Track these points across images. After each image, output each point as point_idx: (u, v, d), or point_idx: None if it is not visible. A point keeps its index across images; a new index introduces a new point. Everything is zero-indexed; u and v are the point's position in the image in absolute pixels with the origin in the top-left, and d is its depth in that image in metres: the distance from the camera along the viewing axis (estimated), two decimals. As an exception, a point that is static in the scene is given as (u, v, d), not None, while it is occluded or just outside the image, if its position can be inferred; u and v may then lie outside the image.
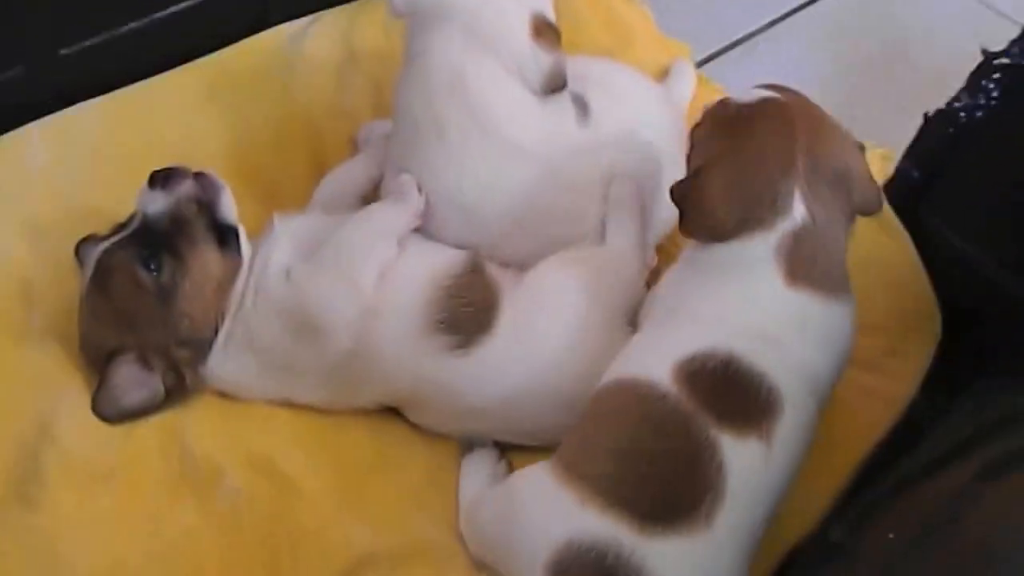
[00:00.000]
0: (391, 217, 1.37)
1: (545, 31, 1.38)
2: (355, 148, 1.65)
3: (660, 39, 1.81)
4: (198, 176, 1.38)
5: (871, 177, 1.21)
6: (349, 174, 1.55)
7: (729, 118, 1.21)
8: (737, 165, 1.16)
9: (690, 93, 1.69)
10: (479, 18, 1.36)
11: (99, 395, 1.31)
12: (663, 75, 1.72)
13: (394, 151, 1.44)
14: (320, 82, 1.72)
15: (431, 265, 1.35)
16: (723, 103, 1.24)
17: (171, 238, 1.33)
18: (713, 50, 1.96)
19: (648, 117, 1.49)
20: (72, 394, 1.34)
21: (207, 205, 1.36)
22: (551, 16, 1.42)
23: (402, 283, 1.32)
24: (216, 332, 1.34)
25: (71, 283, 1.39)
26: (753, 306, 1.14)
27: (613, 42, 1.76)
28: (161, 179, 1.35)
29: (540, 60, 1.37)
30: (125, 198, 1.39)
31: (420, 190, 1.37)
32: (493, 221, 1.38)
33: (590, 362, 1.27)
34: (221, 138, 1.63)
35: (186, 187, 1.36)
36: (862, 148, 1.22)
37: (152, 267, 1.30)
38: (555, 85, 1.39)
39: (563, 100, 1.41)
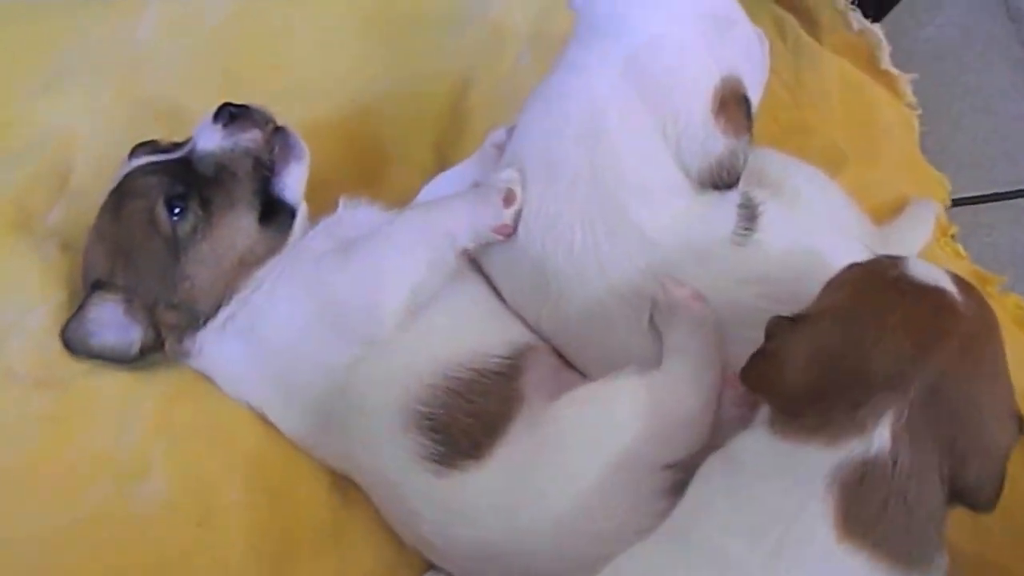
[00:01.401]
0: (458, 216, 1.07)
1: (732, 106, 1.03)
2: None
3: (915, 161, 1.40)
4: (278, 131, 1.15)
5: (1004, 468, 0.86)
6: (454, 182, 1.25)
7: (878, 278, 0.90)
8: (842, 333, 0.86)
9: (917, 248, 1.28)
10: (654, 53, 1.03)
11: (71, 322, 1.11)
12: (896, 210, 1.31)
13: (504, 161, 1.14)
14: (490, 57, 1.43)
15: (460, 338, 1.06)
16: (889, 262, 0.92)
17: (209, 187, 1.11)
18: (984, 192, 1.51)
19: (835, 265, 1.09)
20: (43, 312, 1.15)
21: (268, 168, 1.14)
22: (752, 87, 1.07)
23: (408, 343, 1.05)
24: (217, 309, 1.11)
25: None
26: (780, 556, 0.81)
27: (852, 146, 1.36)
28: (226, 115, 1.14)
29: (710, 141, 1.03)
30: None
31: (516, 197, 1.06)
32: (569, 301, 1.06)
33: (595, 540, 0.95)
34: (348, 84, 1.39)
35: (251, 137, 1.14)
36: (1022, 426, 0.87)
37: (175, 209, 1.10)
38: (720, 180, 1.04)
39: (727, 199, 1.06)
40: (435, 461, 1.00)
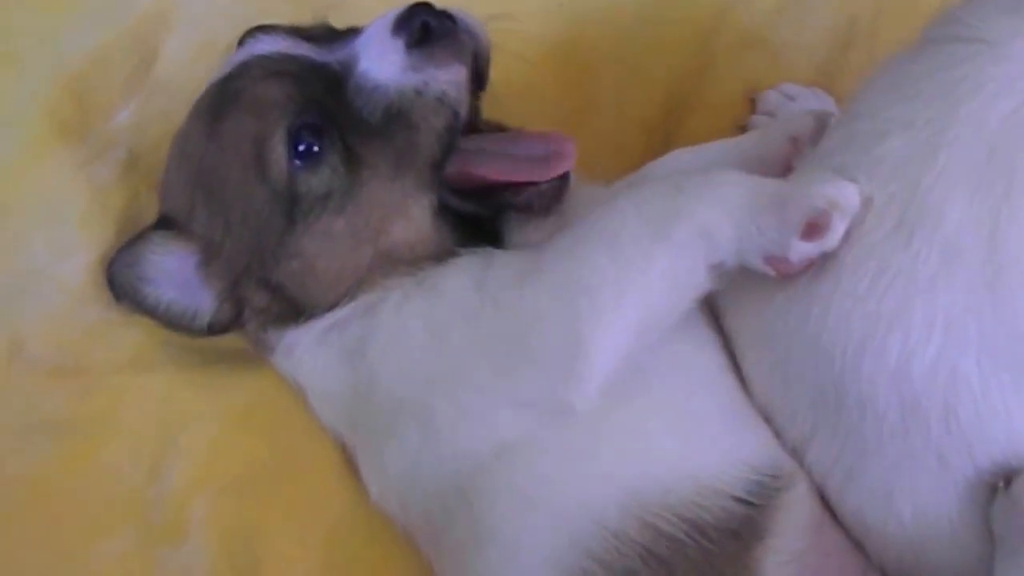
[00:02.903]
0: (724, 211, 0.67)
1: None
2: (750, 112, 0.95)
3: None
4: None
5: None
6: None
7: None
8: None
9: None
10: None
11: (124, 253, 0.77)
12: None
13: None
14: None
15: (671, 453, 0.67)
16: None
17: (366, 135, 0.73)
18: None
19: None
20: (79, 266, 0.81)
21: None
22: None
23: (588, 444, 0.67)
24: (329, 308, 0.75)
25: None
26: None
27: None
28: (417, 29, 0.73)
29: None
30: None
31: (831, 235, 0.64)
32: (876, 451, 0.65)
33: None
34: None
35: (451, 79, 0.74)
36: None
37: (301, 148, 0.72)
38: None
39: None
40: None
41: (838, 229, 0.64)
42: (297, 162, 0.73)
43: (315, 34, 0.79)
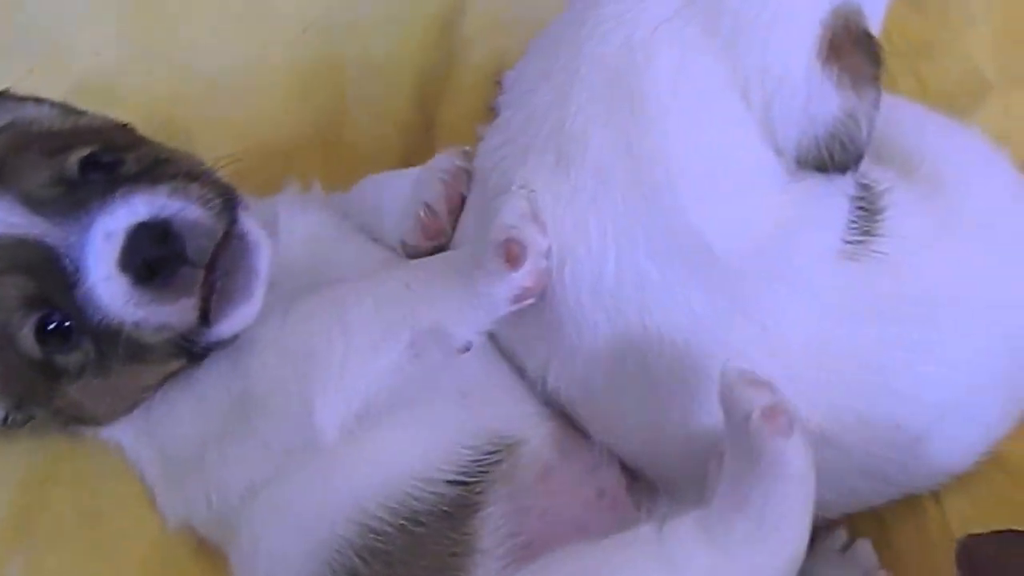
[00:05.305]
0: (448, 304, 0.73)
1: (848, 49, 0.70)
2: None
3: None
4: (227, 240, 0.74)
5: None
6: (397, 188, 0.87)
7: None
8: None
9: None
10: None
11: None
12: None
13: (493, 146, 0.78)
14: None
15: (399, 450, 0.73)
16: None
17: (107, 338, 0.73)
18: None
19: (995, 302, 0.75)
20: None
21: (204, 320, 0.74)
22: (876, 14, 0.74)
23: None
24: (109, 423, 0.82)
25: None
26: None
27: (1003, 68, 0.94)
28: (139, 267, 0.70)
29: (817, 101, 0.70)
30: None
31: (527, 249, 0.69)
32: (592, 355, 0.72)
33: None
34: (301, 10, 1.01)
35: (176, 311, 0.72)
36: None
37: (51, 331, 0.73)
38: (833, 158, 0.71)
39: (834, 189, 0.72)
40: None
41: (531, 235, 0.69)
42: (50, 345, 0.73)
43: (45, 195, 0.73)
